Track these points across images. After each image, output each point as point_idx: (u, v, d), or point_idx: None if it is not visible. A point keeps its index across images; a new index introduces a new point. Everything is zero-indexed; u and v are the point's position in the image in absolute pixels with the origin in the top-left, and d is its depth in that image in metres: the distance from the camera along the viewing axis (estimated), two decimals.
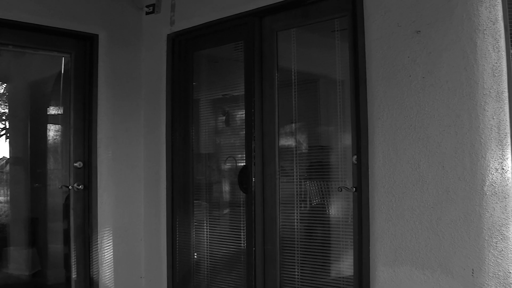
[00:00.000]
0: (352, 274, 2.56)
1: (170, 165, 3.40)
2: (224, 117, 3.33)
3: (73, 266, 3.19)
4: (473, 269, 2.13)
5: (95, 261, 3.24)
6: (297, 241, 2.87)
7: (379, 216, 2.45)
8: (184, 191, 3.41)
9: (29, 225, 3.28)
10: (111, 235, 3.33)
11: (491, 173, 2.13)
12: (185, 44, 3.41)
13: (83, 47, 3.30)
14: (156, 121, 3.48)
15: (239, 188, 3.08)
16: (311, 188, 2.87)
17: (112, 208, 3.37)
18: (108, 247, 3.32)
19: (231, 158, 3.28)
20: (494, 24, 2.13)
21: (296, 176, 2.92)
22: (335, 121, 2.80)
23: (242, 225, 3.09)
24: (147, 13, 3.46)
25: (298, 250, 2.86)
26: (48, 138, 3.35)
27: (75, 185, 3.23)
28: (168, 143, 3.42)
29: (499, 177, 2.12)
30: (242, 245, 3.08)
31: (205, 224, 3.31)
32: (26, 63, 3.33)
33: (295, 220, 2.90)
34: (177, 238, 3.35)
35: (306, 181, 2.89)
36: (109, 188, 3.36)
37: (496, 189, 2.12)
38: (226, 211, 3.30)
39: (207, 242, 3.26)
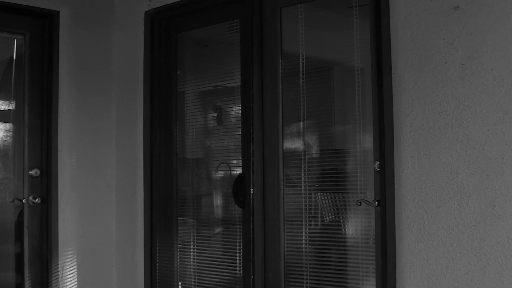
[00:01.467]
0: None
1: (149, 173, 3.41)
2: (215, 114, 3.33)
3: None
4: None
5: None
6: (306, 268, 2.86)
7: (407, 236, 2.45)
8: (166, 206, 3.43)
9: None
10: (75, 260, 3.33)
11: None
12: (167, 23, 3.40)
13: (40, 26, 3.28)
14: (132, 118, 3.49)
15: (234, 202, 3.10)
16: (324, 202, 2.88)
17: (76, 226, 3.38)
18: (71, 275, 3.32)
19: (224, 164, 3.28)
20: None
21: (305, 186, 2.92)
22: (352, 119, 2.80)
23: (238, 248, 3.10)
24: None
25: (307, 279, 2.85)
26: None
27: (31, 198, 3.23)
28: (147, 146, 3.44)
29: None
30: (238, 272, 3.08)
31: (192, 247, 3.31)
32: None
33: (304, 242, 2.90)
34: (157, 264, 3.35)
35: (317, 193, 2.90)
36: (73, 201, 3.37)
37: None
38: (218, 230, 3.31)
39: (194, 269, 3.26)
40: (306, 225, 2.90)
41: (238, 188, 3.06)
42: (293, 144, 3.00)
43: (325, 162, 2.95)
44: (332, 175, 2.90)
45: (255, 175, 3.01)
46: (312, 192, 2.91)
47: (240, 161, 3.12)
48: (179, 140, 3.46)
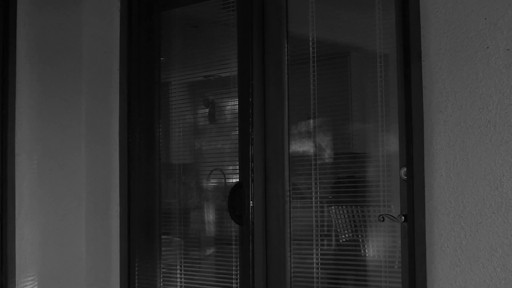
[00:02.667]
0: None
1: (126, 182, 3.43)
2: (207, 110, 3.36)
3: None
4: None
5: None
6: None
7: (441, 258, 2.45)
8: (146, 221, 3.46)
9: None
10: None
11: None
12: (149, 0, 3.47)
13: None
14: (105, 116, 3.52)
15: (229, 217, 3.10)
16: (339, 217, 2.89)
17: (37, 247, 3.37)
18: None
19: (217, 171, 3.31)
20: None
21: (316, 198, 2.95)
22: (374, 116, 2.81)
23: (234, 273, 3.11)
24: None
25: None
26: None
27: None
28: (123, 149, 3.46)
29: None
30: None
31: (178, 271, 3.32)
32: None
33: (314, 266, 2.91)
34: None
35: (330, 206, 2.92)
36: (34, 217, 3.36)
37: None
38: (211, 251, 3.34)
39: None
40: (317, 245, 2.91)
41: (235, 200, 3.07)
42: (301, 146, 3.02)
43: (341, 168, 2.96)
44: (349, 184, 2.91)
45: (255, 185, 3.02)
46: (325, 205, 2.93)
47: (237, 167, 3.12)
48: (162, 142, 3.49)
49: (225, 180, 3.27)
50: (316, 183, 2.95)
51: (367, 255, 2.81)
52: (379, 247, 2.76)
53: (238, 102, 3.14)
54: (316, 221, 2.94)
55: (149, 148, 3.50)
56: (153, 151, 3.50)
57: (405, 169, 2.58)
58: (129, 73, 3.46)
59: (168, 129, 3.49)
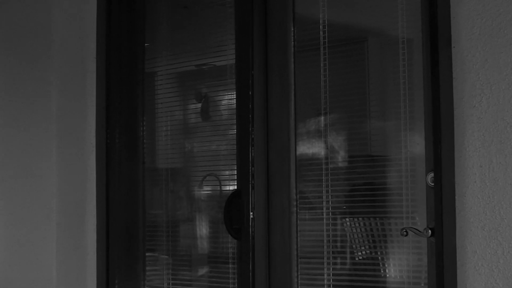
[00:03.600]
0: None
1: (104, 189, 3.44)
2: (199, 105, 3.37)
3: None
4: None
5: None
6: None
7: (474, 280, 2.44)
8: (128, 237, 3.46)
9: None
10: None
11: None
12: None
13: None
14: (79, 113, 3.52)
15: (226, 230, 3.10)
16: (354, 231, 2.90)
17: (1, 266, 3.36)
18: None
19: (212, 177, 3.32)
20: None
21: (327, 209, 2.95)
22: (396, 112, 2.81)
23: None
24: None
25: None
26: None
27: None
28: (101, 152, 3.46)
29: None
30: None
31: None
32: None
33: (326, 287, 2.92)
34: None
35: (344, 218, 2.93)
36: None
37: None
38: (204, 271, 3.34)
39: None
40: (329, 264, 2.91)
41: (232, 211, 3.07)
42: (310, 148, 3.03)
43: (357, 174, 2.96)
44: (366, 192, 2.92)
45: (256, 193, 3.03)
46: (338, 216, 2.93)
47: (235, 172, 3.12)
48: (147, 142, 3.51)
49: (220, 188, 3.28)
50: (327, 191, 2.95)
51: (387, 275, 2.81)
52: (401, 266, 2.76)
53: (236, 96, 3.13)
54: (328, 235, 2.93)
55: (131, 150, 3.52)
56: (136, 154, 3.51)
57: (432, 174, 2.58)
58: (108, 62, 3.46)
59: (154, 127, 3.50)
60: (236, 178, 3.13)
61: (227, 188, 3.23)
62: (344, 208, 2.95)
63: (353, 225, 2.91)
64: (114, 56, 3.50)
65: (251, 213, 3.02)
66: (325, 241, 2.94)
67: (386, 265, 2.81)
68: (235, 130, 3.14)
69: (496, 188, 2.43)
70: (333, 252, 2.92)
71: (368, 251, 2.90)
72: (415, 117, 2.74)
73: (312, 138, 3.03)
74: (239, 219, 3.05)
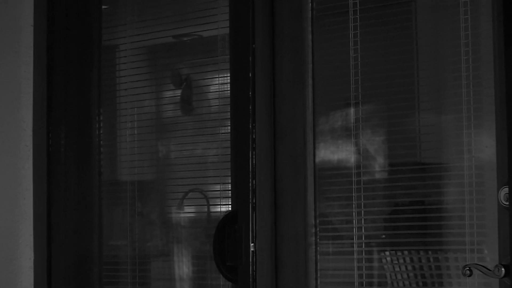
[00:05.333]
0: None
1: (44, 211, 3.43)
2: (179, 92, 3.38)
3: None
4: None
5: None
6: None
7: None
8: (78, 276, 3.43)
9: None
10: None
11: None
12: None
13: None
14: (10, 101, 3.53)
15: (216, 269, 3.07)
16: (397, 269, 2.91)
17: None
18: None
19: (196, 193, 3.32)
20: None
21: (360, 238, 2.95)
22: (455, 103, 2.81)
23: None
24: None
25: None
26: None
27: None
28: (40, 158, 3.47)
29: None
30: None
31: None
32: None
33: None
34: None
35: (383, 251, 2.94)
36: None
37: None
38: None
39: None
40: None
41: (225, 242, 3.04)
42: (335, 153, 3.05)
43: (400, 189, 2.95)
44: (414, 215, 2.92)
45: (259, 216, 3.00)
46: (374, 249, 2.94)
47: (229, 187, 3.12)
48: (105, 145, 3.51)
49: (208, 209, 3.27)
50: (359, 213, 2.95)
51: None
52: None
53: (230, 80, 3.10)
54: (360, 275, 2.92)
55: (83, 156, 3.49)
56: (89, 161, 3.48)
57: (506, 190, 2.59)
58: (50, 31, 3.48)
59: (115, 124, 3.48)
60: (230, 195, 3.12)
61: (218, 209, 3.21)
62: (383, 238, 2.95)
63: (396, 262, 2.91)
64: (59, 24, 3.51)
65: (252, 244, 3.00)
66: (356, 283, 2.93)
67: None
68: (229, 128, 3.14)
69: None
70: None
71: None
72: (482, 110, 2.75)
73: (337, 138, 3.04)
74: (235, 253, 3.01)
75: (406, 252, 2.89)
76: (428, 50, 2.96)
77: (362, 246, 2.95)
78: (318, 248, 3.02)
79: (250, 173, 3.01)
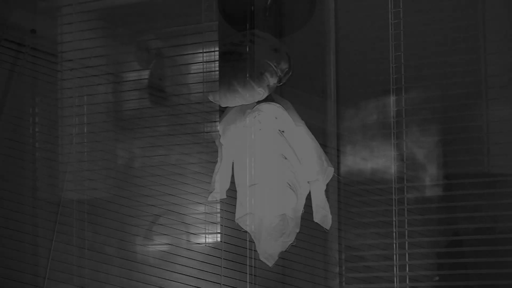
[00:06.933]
0: None
1: None
2: (147, 72, 3.13)
3: None
4: None
5: None
6: None
7: None
8: None
9: None
10: None
11: None
12: None
13: None
14: None
15: None
16: None
17: None
18: None
19: (171, 216, 3.04)
20: None
21: (402, 282, 2.86)
22: None
23: None
24: None
25: None
26: None
27: None
28: None
29: None
30: None
31: None
32: None
33: None
34: None
35: None
36: None
37: None
38: None
39: None
40: None
41: None
42: (367, 159, 2.94)
43: (461, 209, 2.84)
44: (480, 247, 2.78)
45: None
46: None
47: (219, 207, 2.95)
48: (41, 150, 3.23)
49: (188, 238, 3.00)
50: (403, 246, 2.84)
51: None
52: None
53: (219, 54, 2.89)
54: None
55: (8, 164, 3.15)
56: (18, 172, 3.17)
57: None
58: None
59: (56, 120, 3.18)
60: (219, 220, 3.03)
61: (202, 239, 2.94)
62: (437, 280, 2.83)
63: None
64: None
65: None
66: None
67: None
68: (217, 124, 3.00)
69: None
70: None
71: None
72: None
73: (371, 139, 2.95)
74: None
75: None
76: (495, 15, 2.91)
77: (406, 283, 2.89)
78: (344, 284, 3.01)
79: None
